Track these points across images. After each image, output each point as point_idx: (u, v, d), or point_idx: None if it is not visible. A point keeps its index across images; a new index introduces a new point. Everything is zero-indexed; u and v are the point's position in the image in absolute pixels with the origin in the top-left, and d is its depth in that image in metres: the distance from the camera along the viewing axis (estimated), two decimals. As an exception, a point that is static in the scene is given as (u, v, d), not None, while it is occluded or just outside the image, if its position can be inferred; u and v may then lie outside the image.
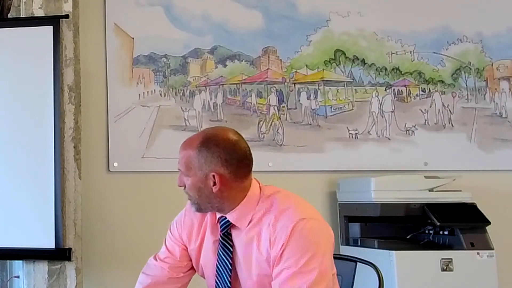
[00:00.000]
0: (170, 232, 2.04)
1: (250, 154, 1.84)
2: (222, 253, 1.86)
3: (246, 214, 1.82)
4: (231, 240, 1.85)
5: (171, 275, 1.97)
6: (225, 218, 1.85)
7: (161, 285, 1.97)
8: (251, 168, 1.84)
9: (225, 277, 1.85)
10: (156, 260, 2.01)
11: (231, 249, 1.85)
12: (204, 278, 1.98)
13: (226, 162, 1.77)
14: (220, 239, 1.87)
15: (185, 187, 1.84)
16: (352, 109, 3.77)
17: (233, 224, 1.84)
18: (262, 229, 1.79)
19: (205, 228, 1.93)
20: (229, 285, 1.84)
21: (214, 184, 1.78)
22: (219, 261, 1.86)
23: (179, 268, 1.98)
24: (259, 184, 1.89)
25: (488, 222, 3.14)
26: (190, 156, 1.80)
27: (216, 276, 1.87)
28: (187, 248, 1.98)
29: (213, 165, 1.77)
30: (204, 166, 1.78)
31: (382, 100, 3.78)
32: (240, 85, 3.72)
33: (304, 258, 1.70)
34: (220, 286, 1.86)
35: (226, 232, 1.86)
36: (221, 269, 1.86)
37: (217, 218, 1.89)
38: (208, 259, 1.91)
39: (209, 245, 1.91)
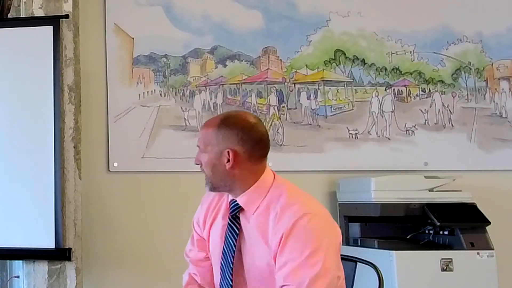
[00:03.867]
0: (195, 231, 2.10)
1: (268, 139, 1.91)
2: (229, 234, 1.90)
3: (255, 200, 1.87)
4: (239, 224, 1.90)
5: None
6: (236, 201, 1.90)
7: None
8: (266, 154, 1.90)
9: (229, 258, 1.88)
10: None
11: (237, 232, 1.89)
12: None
13: (242, 141, 1.84)
14: (228, 220, 1.92)
15: (201, 164, 1.91)
16: (352, 109, 3.77)
17: (242, 209, 1.89)
18: (267, 219, 1.83)
19: (217, 213, 1.98)
20: (231, 265, 1.87)
21: (228, 161, 1.83)
22: (226, 242, 1.90)
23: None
24: (274, 174, 1.93)
25: (488, 222, 3.14)
26: (210, 133, 1.88)
27: (221, 258, 1.91)
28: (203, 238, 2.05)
29: (229, 142, 1.84)
30: (221, 143, 1.85)
31: (382, 100, 3.78)
32: (240, 85, 3.72)
33: (307, 251, 1.72)
34: (224, 267, 1.89)
35: (234, 214, 1.91)
36: (226, 250, 1.90)
37: (229, 201, 1.95)
38: (215, 244, 1.95)
39: (218, 229, 1.95)
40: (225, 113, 1.95)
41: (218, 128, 1.86)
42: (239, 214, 1.90)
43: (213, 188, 1.92)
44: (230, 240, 1.89)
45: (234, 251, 1.87)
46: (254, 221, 1.86)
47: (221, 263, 1.90)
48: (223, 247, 1.91)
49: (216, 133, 1.86)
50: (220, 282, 1.91)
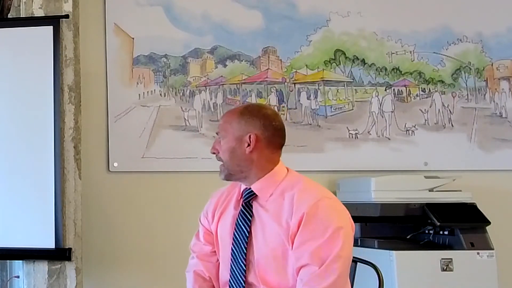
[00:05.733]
0: (202, 225, 2.13)
1: (285, 131, 1.99)
2: (241, 220, 1.95)
3: (269, 186, 1.93)
4: (252, 211, 1.95)
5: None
6: (249, 189, 1.96)
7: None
8: (283, 144, 1.98)
9: (242, 244, 1.92)
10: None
11: (250, 218, 1.94)
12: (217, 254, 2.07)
13: (264, 127, 1.93)
14: (241, 208, 1.96)
15: (218, 152, 1.96)
16: (352, 109, 3.77)
17: (255, 197, 1.94)
18: (281, 203, 1.89)
19: (228, 204, 2.03)
20: (245, 250, 1.92)
21: (248, 145, 1.91)
22: (238, 228, 1.95)
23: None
24: (288, 169, 2.00)
25: (488, 222, 3.14)
26: (232, 119, 1.95)
27: (232, 243, 1.95)
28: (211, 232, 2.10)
29: (251, 127, 1.92)
30: (244, 128, 1.93)
31: (382, 100, 3.78)
32: (240, 85, 3.72)
33: (329, 230, 1.79)
34: (236, 251, 1.93)
35: (248, 202, 1.96)
36: (238, 236, 1.94)
37: (241, 191, 1.99)
38: (226, 232, 1.99)
39: (229, 218, 2.00)
40: (247, 103, 2.05)
41: (241, 114, 1.95)
42: (252, 201, 1.95)
43: (229, 175, 1.97)
44: (243, 226, 1.94)
45: (247, 236, 1.92)
46: (267, 206, 1.92)
47: (232, 249, 1.95)
48: (234, 233, 1.95)
49: (239, 118, 1.94)
50: (231, 266, 1.95)
